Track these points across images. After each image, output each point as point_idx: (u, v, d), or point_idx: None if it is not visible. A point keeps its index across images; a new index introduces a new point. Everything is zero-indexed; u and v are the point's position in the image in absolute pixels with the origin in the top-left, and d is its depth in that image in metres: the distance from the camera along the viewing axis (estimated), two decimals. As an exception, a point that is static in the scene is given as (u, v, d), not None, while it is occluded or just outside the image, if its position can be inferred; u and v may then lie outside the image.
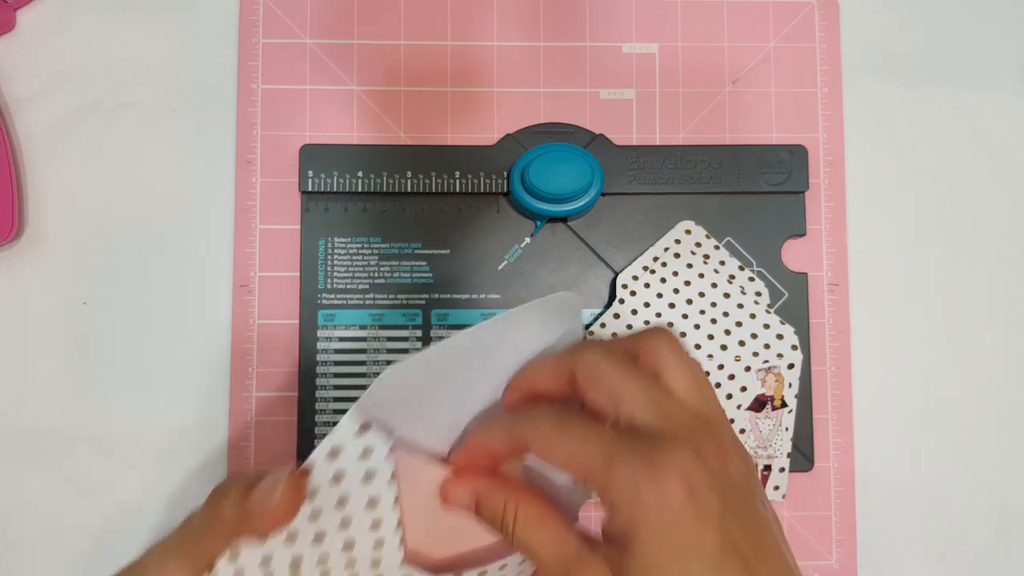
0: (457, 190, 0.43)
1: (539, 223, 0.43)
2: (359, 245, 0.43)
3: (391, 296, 0.43)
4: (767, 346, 0.42)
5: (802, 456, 0.43)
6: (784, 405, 0.42)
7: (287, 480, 0.24)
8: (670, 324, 0.42)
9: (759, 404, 0.41)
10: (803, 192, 0.44)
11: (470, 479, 0.28)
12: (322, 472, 0.26)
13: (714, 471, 0.23)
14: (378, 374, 0.27)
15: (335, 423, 0.29)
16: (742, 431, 0.41)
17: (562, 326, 0.30)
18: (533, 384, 0.28)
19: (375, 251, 0.43)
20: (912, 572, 0.44)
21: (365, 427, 0.26)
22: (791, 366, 0.42)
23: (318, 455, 0.26)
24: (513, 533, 0.26)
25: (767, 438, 0.41)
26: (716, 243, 0.43)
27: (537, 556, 0.26)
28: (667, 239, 0.43)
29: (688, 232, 0.43)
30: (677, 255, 0.43)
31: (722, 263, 0.43)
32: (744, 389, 0.41)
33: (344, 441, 0.26)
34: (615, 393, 0.25)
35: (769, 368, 0.41)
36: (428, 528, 0.28)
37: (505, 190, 0.43)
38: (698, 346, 0.41)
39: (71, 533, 0.42)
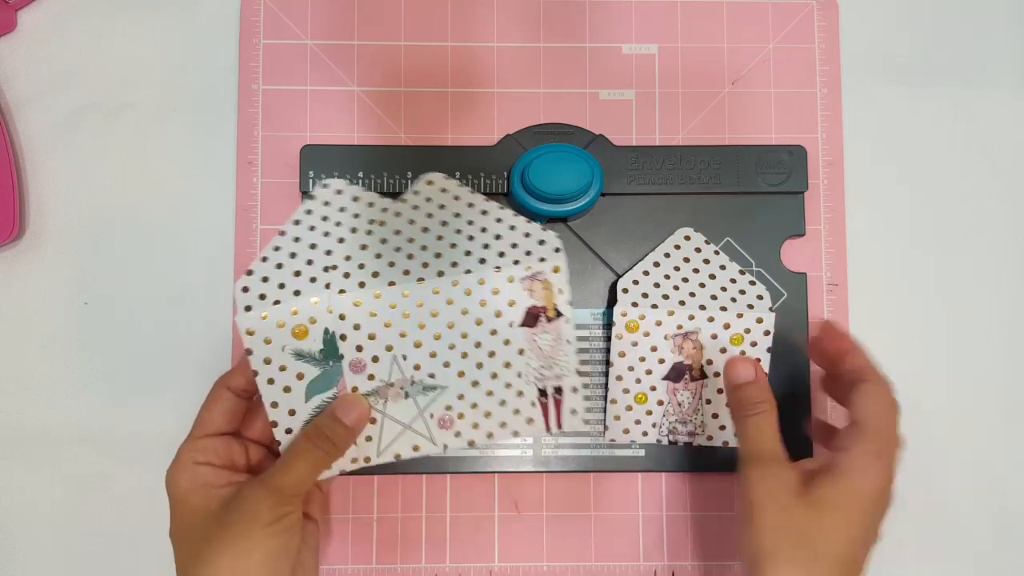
0: (457, 190, 0.43)
1: (539, 223, 0.43)
2: (359, 245, 0.43)
3: (391, 296, 0.43)
4: (735, 300, 0.42)
5: (803, 457, 0.43)
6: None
7: None
8: (679, 328, 0.42)
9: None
10: (802, 192, 0.44)
11: (761, 370, 0.37)
12: None
13: (892, 487, 0.34)
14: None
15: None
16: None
17: None
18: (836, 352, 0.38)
19: (375, 251, 0.43)
20: (912, 572, 0.44)
21: None
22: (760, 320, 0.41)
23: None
24: (750, 419, 0.36)
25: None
26: (715, 248, 0.43)
27: (754, 443, 0.35)
28: (667, 245, 0.43)
29: (687, 238, 0.43)
30: (677, 266, 0.43)
31: (722, 267, 0.43)
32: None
33: None
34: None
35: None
36: None
37: (505, 190, 0.43)
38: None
39: (71, 532, 0.42)
